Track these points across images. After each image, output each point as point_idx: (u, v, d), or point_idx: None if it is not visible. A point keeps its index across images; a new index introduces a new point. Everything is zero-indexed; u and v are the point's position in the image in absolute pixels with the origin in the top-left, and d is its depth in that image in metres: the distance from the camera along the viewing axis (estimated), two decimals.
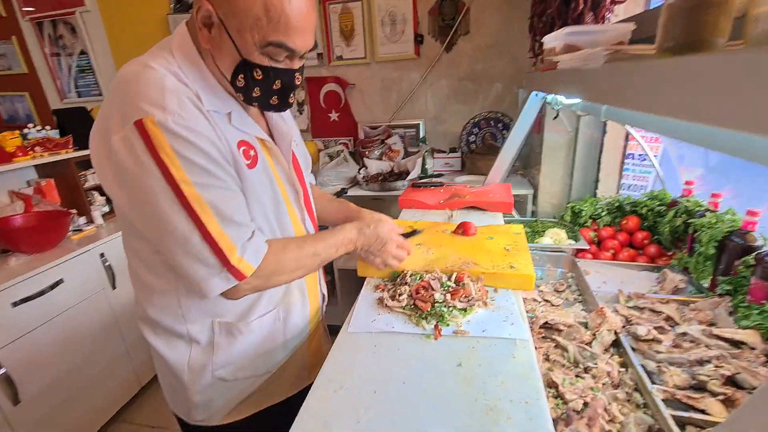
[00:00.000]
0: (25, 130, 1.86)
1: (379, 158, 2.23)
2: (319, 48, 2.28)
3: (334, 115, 2.40)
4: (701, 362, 0.86)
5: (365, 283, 0.96)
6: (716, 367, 0.82)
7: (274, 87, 0.69)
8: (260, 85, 0.68)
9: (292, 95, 0.74)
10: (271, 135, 0.83)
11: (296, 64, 0.70)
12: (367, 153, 2.22)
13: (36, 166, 1.88)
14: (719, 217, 1.18)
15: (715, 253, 1.13)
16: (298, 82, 0.72)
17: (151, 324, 0.79)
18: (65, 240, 1.76)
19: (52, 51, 2.74)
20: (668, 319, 1.05)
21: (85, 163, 1.96)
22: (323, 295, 1.00)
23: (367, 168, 2.14)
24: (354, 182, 2.11)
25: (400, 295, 0.85)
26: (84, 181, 1.97)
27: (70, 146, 1.91)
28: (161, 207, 0.61)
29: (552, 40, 1.02)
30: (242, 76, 0.66)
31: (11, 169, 1.68)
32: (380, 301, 0.87)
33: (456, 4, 2.02)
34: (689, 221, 1.26)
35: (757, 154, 0.44)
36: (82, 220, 1.93)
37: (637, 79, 0.47)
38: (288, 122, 0.88)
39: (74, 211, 1.89)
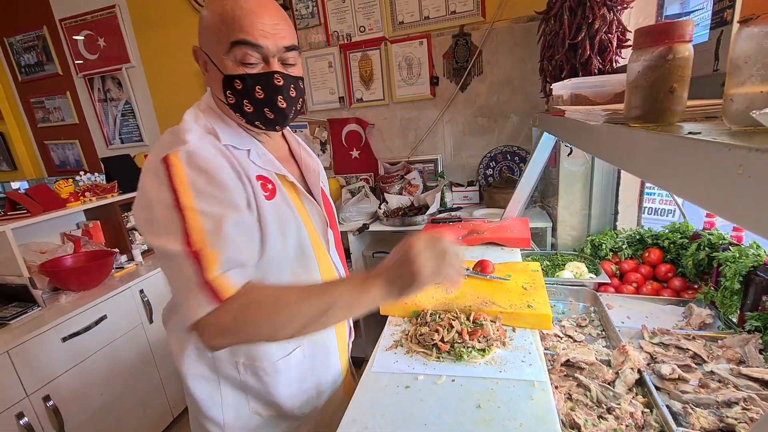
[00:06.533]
0: (77, 177, 2.06)
1: (399, 193, 2.30)
2: (341, 92, 2.43)
3: (355, 153, 2.52)
4: (729, 404, 0.85)
5: (387, 322, 1.01)
6: (744, 409, 0.81)
7: (257, 95, 0.71)
8: (246, 97, 0.71)
9: (280, 99, 0.73)
10: (304, 178, 0.89)
11: (275, 66, 0.71)
12: (387, 188, 2.31)
13: (85, 210, 2.06)
14: (743, 251, 1.17)
15: (741, 288, 1.12)
16: (280, 83, 0.72)
17: (186, 366, 0.82)
18: (109, 277, 1.89)
19: (101, 103, 3.03)
20: (695, 356, 1.04)
21: (128, 205, 2.13)
22: (350, 328, 1.00)
23: (387, 203, 2.22)
24: (375, 217, 2.18)
25: (420, 335, 0.89)
26: (126, 221, 2.13)
27: (116, 190, 2.09)
28: (168, 237, 0.62)
29: (559, 88, 1.08)
30: (229, 92, 0.72)
31: (65, 214, 1.85)
32: (401, 341, 0.92)
33: (468, 47, 2.13)
34: (713, 255, 1.26)
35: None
36: (124, 258, 2.08)
37: (632, 145, 0.52)
38: (315, 160, 0.94)
39: (116, 250, 2.04)
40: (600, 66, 1.29)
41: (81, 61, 2.94)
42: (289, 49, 0.72)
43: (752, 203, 0.28)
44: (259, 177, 0.74)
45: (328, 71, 2.40)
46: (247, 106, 0.72)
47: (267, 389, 0.82)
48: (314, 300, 0.63)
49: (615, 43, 1.27)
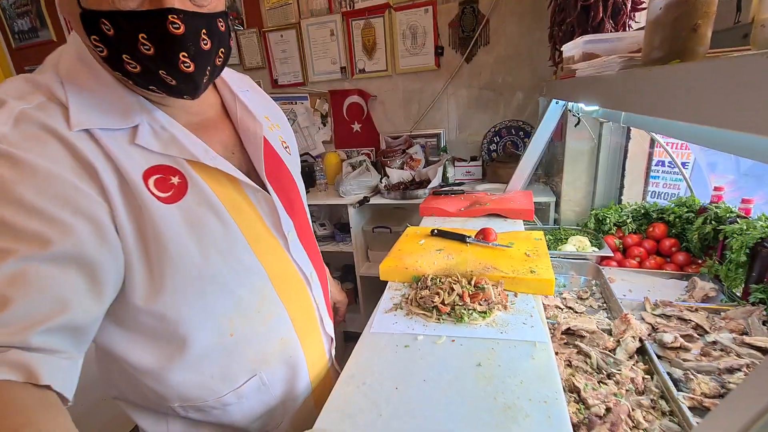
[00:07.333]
0: None
1: (401, 167, 2.26)
2: (342, 62, 2.36)
3: (356, 126, 2.47)
4: (731, 370, 0.84)
5: (387, 286, 0.99)
6: (747, 375, 0.80)
7: (144, 50, 0.44)
8: (125, 51, 0.45)
9: (184, 58, 0.46)
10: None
11: (169, 1, 0.43)
12: (388, 162, 2.27)
13: None
14: (751, 223, 1.14)
15: (747, 261, 1.10)
16: (180, 30, 0.44)
17: (124, 400, 0.69)
18: None
19: None
20: (697, 327, 1.03)
21: None
22: (331, 339, 0.83)
23: (388, 177, 2.18)
24: (376, 191, 2.15)
25: (420, 298, 0.88)
26: None
27: None
28: None
29: (571, 48, 1.04)
30: (96, 39, 0.44)
31: None
32: (401, 304, 0.90)
33: (476, 16, 2.06)
34: (719, 228, 1.23)
35: None
36: None
37: (649, 85, 0.49)
38: (259, 116, 0.64)
39: None
40: (612, 29, 1.23)
41: None
42: None
43: None
44: (154, 170, 0.51)
45: (329, 40, 2.33)
46: (129, 63, 0.46)
47: (219, 420, 0.67)
48: None
49: (629, 6, 1.21)
